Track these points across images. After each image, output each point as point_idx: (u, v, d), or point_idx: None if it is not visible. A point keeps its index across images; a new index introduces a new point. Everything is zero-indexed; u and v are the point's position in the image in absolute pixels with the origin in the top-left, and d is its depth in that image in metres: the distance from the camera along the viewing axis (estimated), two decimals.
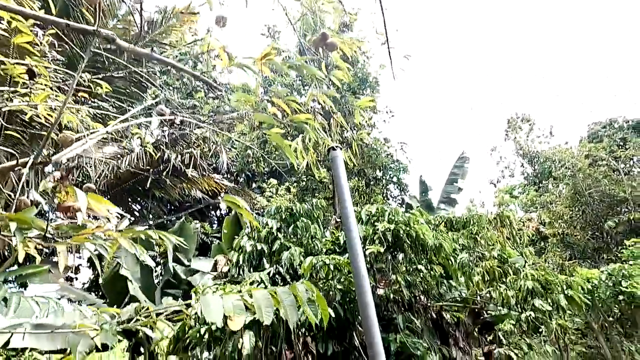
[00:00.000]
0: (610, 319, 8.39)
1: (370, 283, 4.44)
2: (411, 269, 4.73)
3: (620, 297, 6.88)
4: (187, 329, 3.51)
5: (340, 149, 3.78)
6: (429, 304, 5.65)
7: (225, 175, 14.98)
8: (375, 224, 4.48)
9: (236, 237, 5.13)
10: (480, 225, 6.00)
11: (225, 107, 15.37)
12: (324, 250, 4.77)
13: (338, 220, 8.53)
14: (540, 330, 6.51)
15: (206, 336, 3.45)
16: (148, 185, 9.82)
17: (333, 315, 3.86)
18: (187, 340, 3.43)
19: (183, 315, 3.85)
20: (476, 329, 6.85)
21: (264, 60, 2.38)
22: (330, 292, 4.21)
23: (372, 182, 11.42)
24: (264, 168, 13.36)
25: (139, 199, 12.30)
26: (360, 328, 4.33)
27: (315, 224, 4.98)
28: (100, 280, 7.64)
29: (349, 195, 3.44)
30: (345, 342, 4.24)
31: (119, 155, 9.59)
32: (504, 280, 5.27)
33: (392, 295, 4.39)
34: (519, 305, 5.02)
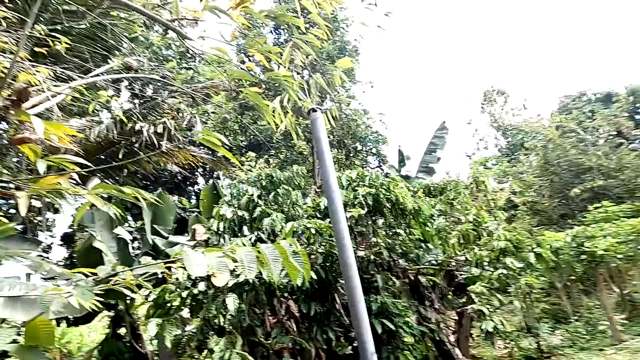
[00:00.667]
0: (573, 277, 9.01)
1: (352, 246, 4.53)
2: (391, 233, 4.84)
3: (583, 257, 7.36)
4: (168, 293, 3.48)
5: (322, 111, 3.70)
6: (407, 267, 5.85)
7: (202, 149, 14.59)
8: (356, 188, 4.50)
9: (215, 206, 5.04)
10: (456, 190, 6.17)
11: (199, 77, 14.74)
12: (305, 216, 4.78)
13: (318, 190, 8.54)
14: (509, 289, 6.91)
15: (188, 300, 3.44)
16: (120, 159, 9.41)
17: (315, 277, 3.93)
18: (169, 305, 3.41)
19: (165, 285, 3.81)
20: (450, 291, 7.20)
21: (239, 7, 2.23)
22: (312, 256, 4.26)
23: (351, 154, 11.44)
24: (242, 141, 13.08)
25: (111, 173, 11.82)
26: (341, 290, 4.44)
27: (296, 190, 4.96)
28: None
29: (329, 156, 3.39)
30: (327, 303, 4.34)
31: (86, 128, 9.09)
32: (478, 242, 5.50)
33: (372, 257, 4.50)
34: (491, 265, 5.28)
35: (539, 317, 8.63)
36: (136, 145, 9.30)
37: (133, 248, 7.46)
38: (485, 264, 5.32)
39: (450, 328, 7.58)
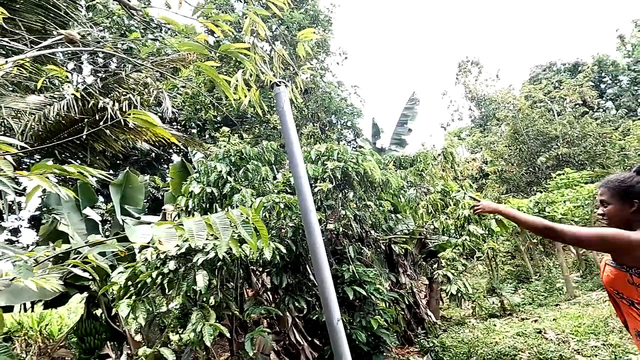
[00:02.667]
0: (534, 240, 9.60)
1: (322, 219, 4.62)
2: (361, 205, 4.95)
3: None
4: (138, 273, 3.48)
5: (286, 85, 3.65)
6: (378, 237, 6.05)
7: (174, 125, 14.11)
8: (325, 162, 4.53)
9: (184, 183, 4.98)
10: (426, 162, 6.33)
11: (166, 49, 13.99)
12: (276, 191, 4.80)
13: None
14: (476, 254, 7.29)
15: (159, 280, 3.46)
16: (85, 137, 8.99)
17: (285, 251, 4.01)
18: (139, 285, 3.42)
19: (134, 265, 3.79)
20: (422, 258, 7.56)
21: None
22: (283, 230, 4.33)
23: (327, 128, 11.38)
24: (214, 116, 12.71)
25: (76, 152, 11.31)
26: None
27: (266, 166, 4.94)
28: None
29: (294, 132, 3.38)
30: (299, 275, 4.47)
31: (46, 105, 8.58)
32: (445, 211, 5.73)
33: (341, 229, 4.61)
34: (457, 232, 5.53)
35: (504, 279, 9.22)
36: (101, 123, 8.85)
37: (104, 230, 7.30)
38: (451, 231, 5.58)
39: (422, 292, 8.01)
